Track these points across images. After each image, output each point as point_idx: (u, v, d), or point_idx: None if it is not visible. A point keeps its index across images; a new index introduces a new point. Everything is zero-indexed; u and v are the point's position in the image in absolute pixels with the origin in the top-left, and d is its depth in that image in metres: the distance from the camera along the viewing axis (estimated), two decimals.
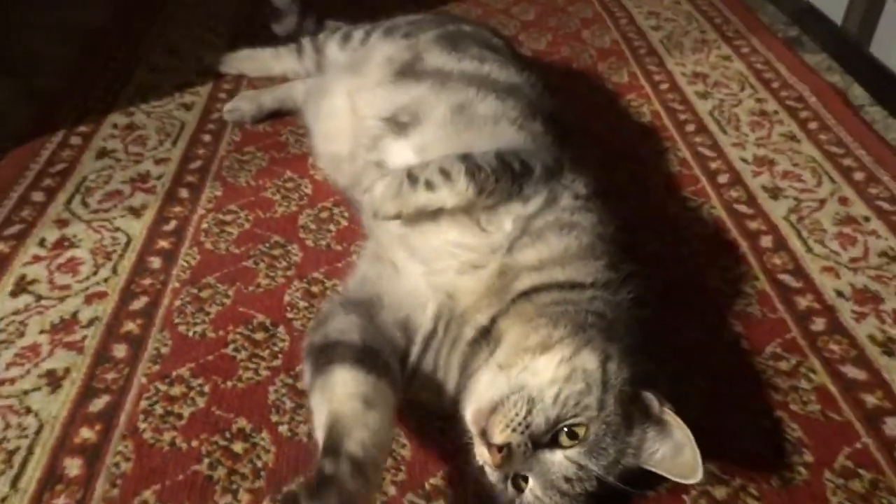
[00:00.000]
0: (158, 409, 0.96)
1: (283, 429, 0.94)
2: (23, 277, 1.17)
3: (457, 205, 0.92)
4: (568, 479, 0.75)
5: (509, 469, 0.77)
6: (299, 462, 0.90)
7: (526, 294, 0.88)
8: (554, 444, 0.76)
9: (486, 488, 0.82)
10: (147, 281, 1.17)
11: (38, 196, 1.34)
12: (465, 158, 0.93)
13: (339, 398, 0.79)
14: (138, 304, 1.12)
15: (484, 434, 0.77)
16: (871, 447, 0.94)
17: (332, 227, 1.28)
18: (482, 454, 0.78)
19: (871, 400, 0.99)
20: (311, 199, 1.35)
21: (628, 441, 0.77)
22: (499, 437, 0.75)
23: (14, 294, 1.14)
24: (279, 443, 0.93)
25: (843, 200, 1.36)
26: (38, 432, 0.93)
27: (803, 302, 1.15)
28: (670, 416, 0.78)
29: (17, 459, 0.90)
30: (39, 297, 1.13)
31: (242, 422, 0.95)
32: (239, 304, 1.13)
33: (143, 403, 0.97)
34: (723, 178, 1.42)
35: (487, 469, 0.80)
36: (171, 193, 1.36)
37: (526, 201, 0.95)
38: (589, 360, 0.78)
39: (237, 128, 1.55)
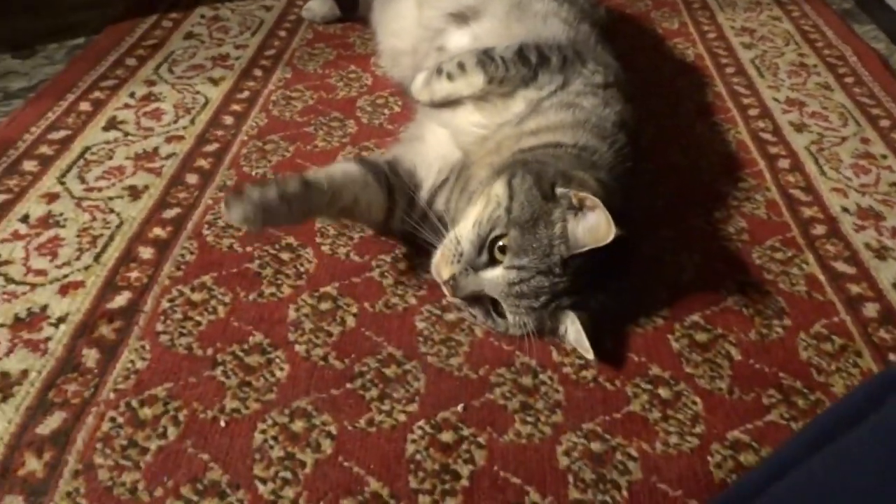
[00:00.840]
0: (220, 222, 1.12)
1: (325, 248, 1.09)
2: (114, 118, 1.34)
3: (472, 93, 1.09)
4: (514, 283, 0.86)
5: (464, 294, 0.90)
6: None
7: (521, 152, 1.01)
8: (495, 263, 0.88)
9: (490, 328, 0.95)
10: (220, 132, 1.32)
11: (130, 61, 1.52)
12: (484, 52, 1.10)
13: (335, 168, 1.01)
14: (210, 148, 1.28)
15: (439, 274, 0.92)
16: (848, 323, 1.03)
17: (385, 111, 1.42)
18: (450, 299, 0.93)
19: (855, 289, 1.09)
20: (370, 88, 1.49)
21: (552, 233, 0.86)
22: (445, 274, 0.90)
23: (106, 129, 1.31)
24: None
25: (865, 140, 1.44)
26: (119, 226, 1.10)
27: (808, 212, 1.24)
28: (581, 197, 0.85)
29: (101, 242, 1.06)
30: (126, 134, 1.30)
31: (290, 238, 1.10)
32: (297, 158, 1.27)
33: (209, 217, 1.13)
34: (753, 112, 1.52)
35: (462, 306, 0.96)
36: (246, 71, 1.52)
37: (540, 87, 1.09)
38: (498, 186, 0.91)
39: (311, 27, 1.71)
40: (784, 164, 1.36)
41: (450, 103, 1.13)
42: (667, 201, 1.24)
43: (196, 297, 0.99)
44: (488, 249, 0.88)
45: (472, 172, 1.05)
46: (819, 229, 1.20)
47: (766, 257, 1.14)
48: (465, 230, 0.91)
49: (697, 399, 0.91)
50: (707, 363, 0.96)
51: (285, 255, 1.07)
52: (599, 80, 1.10)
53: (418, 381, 0.91)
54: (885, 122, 1.50)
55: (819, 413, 0.68)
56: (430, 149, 1.13)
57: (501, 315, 0.91)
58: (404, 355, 0.94)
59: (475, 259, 0.89)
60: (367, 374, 0.91)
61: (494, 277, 0.88)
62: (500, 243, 0.88)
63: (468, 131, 1.11)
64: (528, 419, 0.87)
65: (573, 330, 0.90)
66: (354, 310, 0.99)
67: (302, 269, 1.05)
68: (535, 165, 0.92)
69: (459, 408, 0.88)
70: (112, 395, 0.86)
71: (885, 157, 1.39)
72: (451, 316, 0.99)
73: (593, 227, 0.84)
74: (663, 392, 0.92)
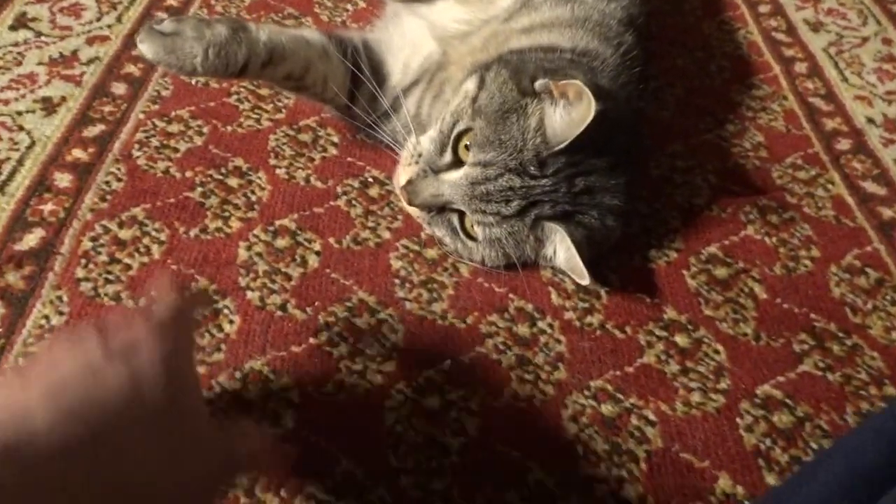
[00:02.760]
0: (154, 142, 0.94)
1: (280, 171, 0.92)
2: (23, 14, 1.12)
3: None
4: (478, 183, 0.72)
5: (420, 199, 0.77)
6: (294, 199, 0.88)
7: (509, 53, 0.84)
8: (459, 164, 0.75)
9: (459, 254, 0.81)
10: None
11: None
12: None
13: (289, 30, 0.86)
14: None
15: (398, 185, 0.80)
16: (882, 252, 0.91)
17: (349, 6, 1.22)
18: (410, 211, 0.81)
19: (887, 212, 0.96)
20: None
21: (526, 124, 0.72)
22: (402, 178, 0.78)
23: (13, 28, 1.09)
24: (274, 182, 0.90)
25: (888, 41, 1.29)
26: (29, 147, 0.91)
27: (830, 123, 1.10)
28: (562, 85, 0.70)
29: (7, 168, 0.88)
30: (39, 34, 1.09)
31: (239, 161, 0.92)
32: None
33: (140, 135, 0.94)
34: (764, 9, 1.35)
35: (425, 222, 0.82)
36: None
37: None
38: (469, 81, 0.77)
39: None
40: (801, 68, 1.21)
41: None
42: (674, 111, 1.09)
43: (125, 234, 0.82)
44: (452, 148, 0.74)
45: (449, 75, 0.89)
46: (844, 143, 1.06)
47: (787, 176, 1.00)
48: (429, 132, 0.79)
49: (720, 347, 0.78)
50: (729, 304, 0.83)
51: (233, 181, 0.90)
52: None
53: (396, 333, 0.76)
54: None
55: (829, 451, 0.56)
56: (403, 42, 0.95)
57: (471, 237, 0.77)
58: (378, 301, 0.79)
59: (436, 159, 0.76)
60: (333, 327, 0.76)
61: (459, 177, 0.74)
62: (466, 142, 0.74)
63: (448, 27, 0.94)
64: (527, 377, 0.74)
65: (562, 249, 0.75)
66: (317, 247, 0.84)
67: (254, 198, 0.88)
68: (517, 62, 0.77)
69: (445, 364, 0.74)
70: (22, 362, 0.70)
71: None
72: (432, 252, 0.84)
73: (575, 115, 0.69)
74: (680, 339, 0.79)
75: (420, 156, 0.77)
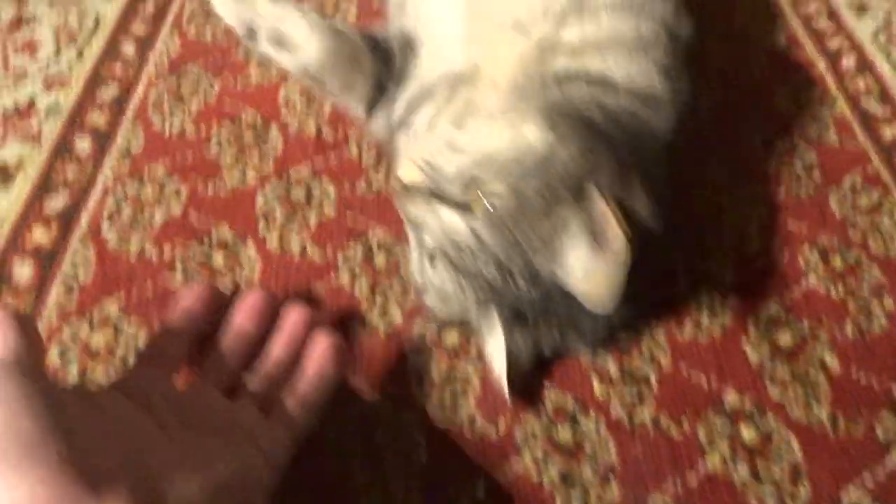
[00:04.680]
0: (126, 212, 0.82)
1: (271, 244, 0.80)
2: None
3: None
4: (458, 247, 0.60)
5: (405, 212, 0.65)
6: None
7: (557, 83, 0.69)
8: (464, 209, 0.60)
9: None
10: (118, 68, 0.99)
11: None
12: None
13: None
14: (106, 94, 0.95)
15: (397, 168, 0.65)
16: None
17: (340, 10, 1.08)
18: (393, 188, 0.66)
19: None
20: None
21: (544, 235, 0.58)
22: (405, 172, 0.62)
23: None
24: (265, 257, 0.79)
25: None
26: None
27: (889, 131, 0.97)
28: (611, 225, 0.56)
29: None
30: None
31: (224, 229, 0.81)
32: (226, 98, 0.95)
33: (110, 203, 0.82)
34: None
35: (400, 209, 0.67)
36: None
37: None
38: (532, 130, 0.60)
39: None
40: (849, 62, 1.07)
41: None
42: (712, 117, 0.96)
43: (97, 339, 0.71)
44: (468, 185, 0.60)
45: (478, 96, 0.71)
46: None
47: (846, 204, 0.88)
48: (462, 141, 0.62)
49: (793, 439, 0.68)
50: (797, 381, 0.72)
51: (218, 258, 0.78)
52: None
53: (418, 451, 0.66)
54: None
55: None
56: (426, 34, 0.79)
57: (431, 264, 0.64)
58: (394, 411, 0.68)
59: (446, 184, 0.61)
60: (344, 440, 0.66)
61: (449, 223, 0.60)
62: (489, 191, 0.59)
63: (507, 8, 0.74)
64: (574, 499, 0.63)
65: (494, 347, 0.65)
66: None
67: (242, 277, 0.77)
68: (592, 136, 0.62)
69: (478, 491, 0.63)
70: None
71: None
72: (452, 338, 0.73)
73: (596, 275, 0.56)
74: (747, 433, 0.68)
75: (437, 170, 0.61)
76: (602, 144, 0.61)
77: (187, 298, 0.65)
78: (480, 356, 0.71)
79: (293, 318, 0.67)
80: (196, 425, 0.54)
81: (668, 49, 0.72)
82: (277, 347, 0.65)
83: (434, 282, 0.63)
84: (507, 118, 0.63)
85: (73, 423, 0.42)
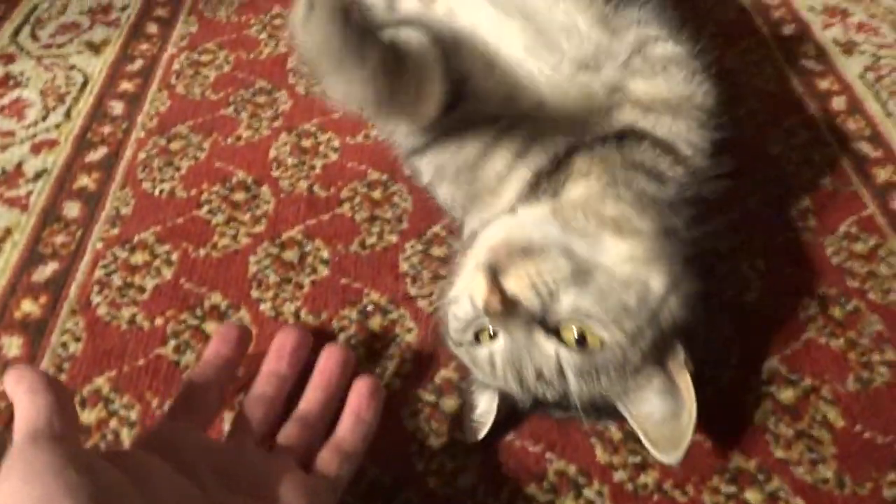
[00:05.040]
0: (116, 281, 0.81)
1: (265, 306, 0.79)
2: None
3: None
4: (539, 374, 0.58)
5: (492, 322, 0.59)
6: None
7: (619, 138, 0.69)
8: (555, 333, 0.58)
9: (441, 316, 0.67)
10: (107, 129, 0.98)
11: None
12: None
13: None
14: (95, 155, 0.94)
15: (492, 269, 0.58)
16: None
17: None
18: (474, 285, 0.59)
19: None
20: None
21: (627, 382, 0.59)
22: (512, 283, 0.57)
23: None
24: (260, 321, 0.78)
25: None
26: None
27: (882, 174, 0.97)
28: (684, 380, 0.59)
29: None
30: None
31: (217, 297, 0.80)
32: (216, 158, 0.95)
33: (100, 271, 0.81)
34: (787, 29, 1.21)
35: (464, 301, 0.61)
36: (136, 28, 1.15)
37: (647, 24, 0.75)
38: (656, 280, 0.59)
39: None
40: (839, 103, 1.07)
41: None
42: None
43: (87, 416, 0.70)
44: (579, 319, 0.58)
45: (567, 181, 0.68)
46: None
47: (843, 252, 0.87)
48: (596, 281, 0.58)
49: (799, 501, 0.66)
50: (802, 439, 0.71)
51: (209, 326, 0.77)
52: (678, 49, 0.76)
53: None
54: None
55: None
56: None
57: (477, 337, 0.62)
58: (394, 483, 0.67)
59: (551, 315, 0.58)
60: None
61: (537, 347, 0.58)
62: (588, 335, 0.58)
63: (568, 32, 0.72)
64: None
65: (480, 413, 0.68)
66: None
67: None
68: (690, 276, 0.63)
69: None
70: None
71: None
72: (451, 402, 0.72)
73: (668, 423, 0.59)
74: (752, 497, 0.67)
75: (550, 296, 0.57)
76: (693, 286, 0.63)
77: (215, 343, 0.65)
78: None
79: (329, 358, 0.67)
80: (236, 485, 0.52)
81: (705, 123, 0.72)
82: (313, 391, 0.65)
83: (497, 366, 0.61)
84: (627, 246, 0.60)
85: (108, 496, 0.41)
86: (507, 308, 0.56)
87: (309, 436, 0.62)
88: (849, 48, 1.17)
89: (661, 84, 0.70)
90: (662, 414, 0.59)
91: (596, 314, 0.57)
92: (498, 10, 0.74)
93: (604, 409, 0.61)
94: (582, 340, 0.57)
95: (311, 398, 0.64)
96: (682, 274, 0.61)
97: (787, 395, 0.74)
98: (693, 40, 0.77)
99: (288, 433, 0.61)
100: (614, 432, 0.70)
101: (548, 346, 0.58)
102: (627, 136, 0.69)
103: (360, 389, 0.65)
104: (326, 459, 0.60)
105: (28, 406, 0.45)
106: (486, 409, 0.67)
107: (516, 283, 0.57)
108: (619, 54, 0.72)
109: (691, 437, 0.57)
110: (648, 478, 0.67)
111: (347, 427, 0.62)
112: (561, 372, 0.58)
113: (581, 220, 0.61)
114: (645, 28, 0.74)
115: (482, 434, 0.67)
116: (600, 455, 0.69)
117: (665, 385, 0.60)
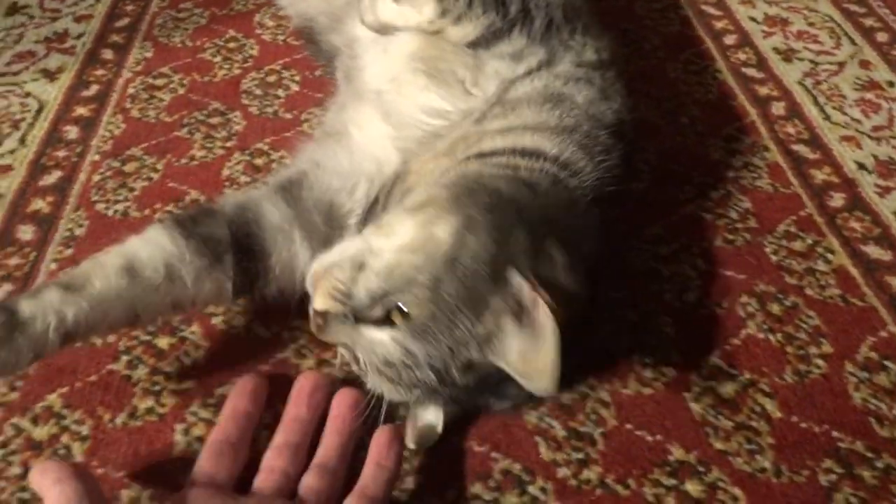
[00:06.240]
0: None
1: (217, 320, 0.80)
2: None
3: (419, 24, 0.82)
4: (390, 363, 0.61)
5: (329, 339, 0.66)
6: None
7: (481, 158, 0.73)
8: (386, 322, 0.61)
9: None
10: (62, 153, 0.99)
11: None
12: None
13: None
14: (49, 179, 0.95)
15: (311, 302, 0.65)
16: None
17: (280, 92, 1.10)
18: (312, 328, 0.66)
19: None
20: (256, 61, 1.16)
21: (475, 331, 0.60)
22: (318, 302, 0.63)
23: None
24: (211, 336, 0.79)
25: (865, 64, 1.20)
26: None
27: (819, 175, 1.01)
28: (537, 304, 0.58)
29: None
30: None
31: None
32: (169, 179, 0.96)
33: None
34: (730, 40, 1.25)
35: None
36: (92, 54, 1.16)
37: (518, 59, 0.81)
38: (442, 228, 0.61)
39: None
40: (779, 108, 1.11)
41: (394, 76, 0.83)
42: (649, 180, 0.99)
43: (39, 432, 0.71)
44: (382, 301, 0.60)
45: (409, 186, 0.76)
46: (837, 199, 0.97)
47: (782, 250, 0.90)
48: (372, 258, 0.62)
49: (738, 492, 0.68)
50: (740, 431, 0.73)
51: (163, 342, 0.78)
52: (592, 58, 0.82)
53: None
54: (882, 37, 1.26)
55: None
56: (357, 153, 0.82)
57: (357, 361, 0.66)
58: None
59: (365, 310, 0.61)
60: None
61: (373, 342, 0.61)
62: (403, 301, 0.60)
63: (416, 122, 0.81)
64: None
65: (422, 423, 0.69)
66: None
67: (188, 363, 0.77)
68: (502, 212, 0.63)
69: None
70: None
71: (892, 84, 1.16)
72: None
73: (532, 353, 0.58)
74: (692, 488, 0.69)
75: (349, 297, 0.62)
76: (513, 219, 0.63)
77: (232, 398, 0.67)
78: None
79: (341, 402, 0.69)
80: None
81: (588, 132, 0.75)
82: (329, 436, 0.67)
83: (375, 388, 0.64)
84: (418, 217, 0.63)
85: None
86: (324, 321, 0.63)
87: (330, 483, 0.63)
88: (788, 56, 1.22)
89: (514, 120, 0.76)
90: (525, 347, 0.59)
91: (389, 287, 0.60)
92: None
93: (490, 377, 0.62)
94: (405, 316, 0.60)
95: (329, 444, 0.66)
96: (480, 215, 0.62)
97: (727, 389, 0.76)
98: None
99: (309, 483, 0.63)
100: (558, 430, 0.72)
101: (378, 333, 0.61)
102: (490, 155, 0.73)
103: (380, 440, 0.66)
104: None
105: (57, 498, 0.46)
106: (432, 418, 0.69)
107: (321, 300, 0.63)
108: (474, 113, 0.79)
109: (559, 364, 0.56)
110: (591, 473, 0.69)
111: (370, 475, 0.64)
112: (406, 351, 0.60)
113: (387, 218, 0.66)
114: (513, 68, 0.81)
115: (429, 443, 0.69)
116: (544, 452, 0.71)
117: (520, 322, 0.59)
